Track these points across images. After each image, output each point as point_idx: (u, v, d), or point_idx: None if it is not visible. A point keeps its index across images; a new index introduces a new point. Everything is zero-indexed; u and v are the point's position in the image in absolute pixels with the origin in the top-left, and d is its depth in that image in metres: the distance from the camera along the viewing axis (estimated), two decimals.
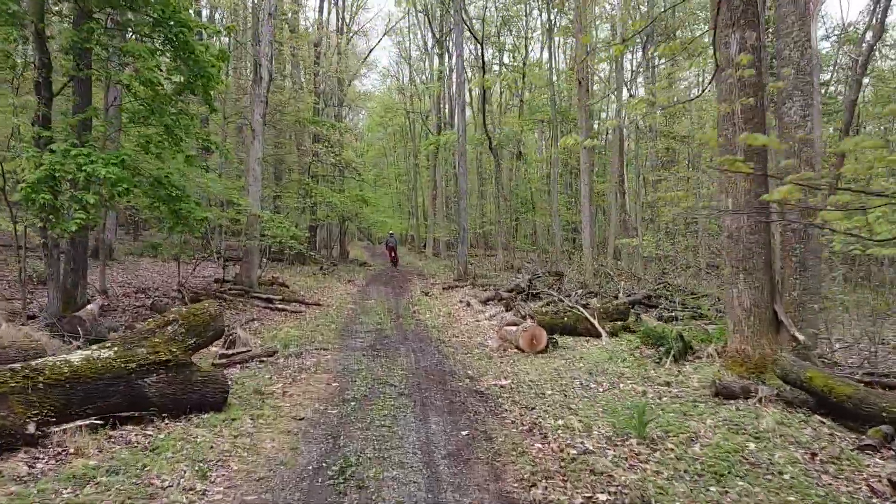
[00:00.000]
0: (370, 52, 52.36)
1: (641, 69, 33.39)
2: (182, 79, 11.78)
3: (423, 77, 53.21)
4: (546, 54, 48.58)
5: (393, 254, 35.37)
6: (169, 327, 6.94)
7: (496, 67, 42.80)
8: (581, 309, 13.38)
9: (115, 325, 11.04)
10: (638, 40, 31.76)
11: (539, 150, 50.72)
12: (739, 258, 8.35)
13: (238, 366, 9.54)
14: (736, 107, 8.40)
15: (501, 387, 8.19)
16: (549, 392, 7.80)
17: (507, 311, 16.90)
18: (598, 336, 12.77)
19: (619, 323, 13.33)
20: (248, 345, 11.20)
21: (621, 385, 8.14)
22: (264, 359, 9.93)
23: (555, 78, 33.00)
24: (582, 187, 21.65)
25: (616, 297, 17.61)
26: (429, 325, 14.93)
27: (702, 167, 28.99)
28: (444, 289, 23.07)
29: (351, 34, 43.49)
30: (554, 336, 11.55)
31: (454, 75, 30.05)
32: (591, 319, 12.86)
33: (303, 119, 23.70)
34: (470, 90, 39.42)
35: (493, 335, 13.09)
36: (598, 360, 10.12)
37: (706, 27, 36.67)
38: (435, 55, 48.89)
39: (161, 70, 11.42)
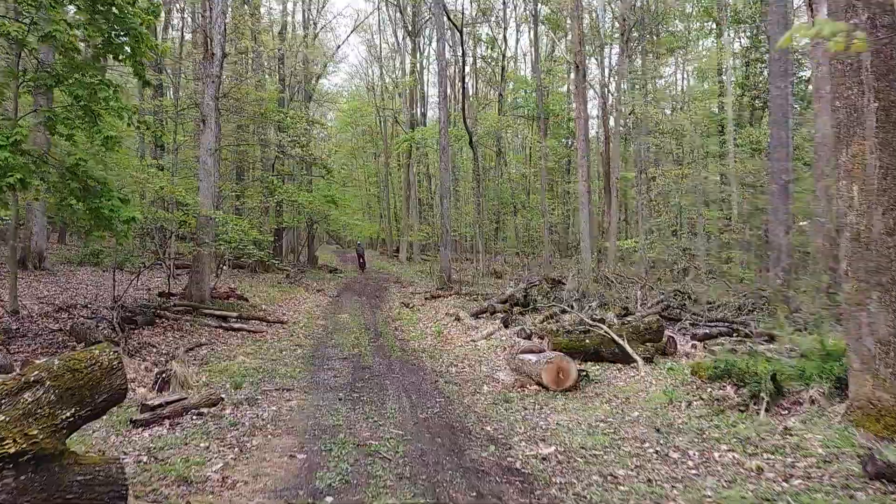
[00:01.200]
0: (338, 47, 49.60)
1: (626, 62, 31.24)
2: (101, 40, 9.06)
3: (394, 76, 50.83)
4: (527, 45, 46.54)
5: (361, 259, 36.72)
6: (27, 393, 4.26)
7: (472, 61, 40.39)
8: (605, 328, 10.92)
9: (4, 364, 8.25)
10: (617, 35, 29.59)
11: (517, 149, 48.46)
12: (871, 269, 5.95)
13: (167, 422, 6.86)
14: (862, 57, 5.99)
15: (544, 459, 5.66)
16: (621, 470, 5.29)
17: (505, 327, 14.42)
18: (629, 362, 10.34)
19: (650, 345, 10.90)
20: (188, 384, 8.53)
21: (716, 455, 5.67)
22: (204, 410, 7.26)
23: (541, 71, 30.64)
24: (580, 183, 19.30)
25: (626, 310, 15.23)
26: (417, 349, 12.34)
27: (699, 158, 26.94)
28: (426, 299, 20.51)
29: (318, 29, 40.80)
30: (584, 368, 9.05)
31: (434, 63, 27.51)
32: (621, 342, 10.41)
33: (265, 110, 20.95)
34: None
35: (502, 363, 10.56)
36: (654, 403, 7.66)
37: (689, 21, 34.76)
38: (406, 53, 46.49)
39: (69, 25, 8.68)
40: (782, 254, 17.45)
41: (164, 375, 8.55)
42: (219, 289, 16.88)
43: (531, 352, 9.51)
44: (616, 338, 10.55)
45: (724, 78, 31.22)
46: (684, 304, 16.57)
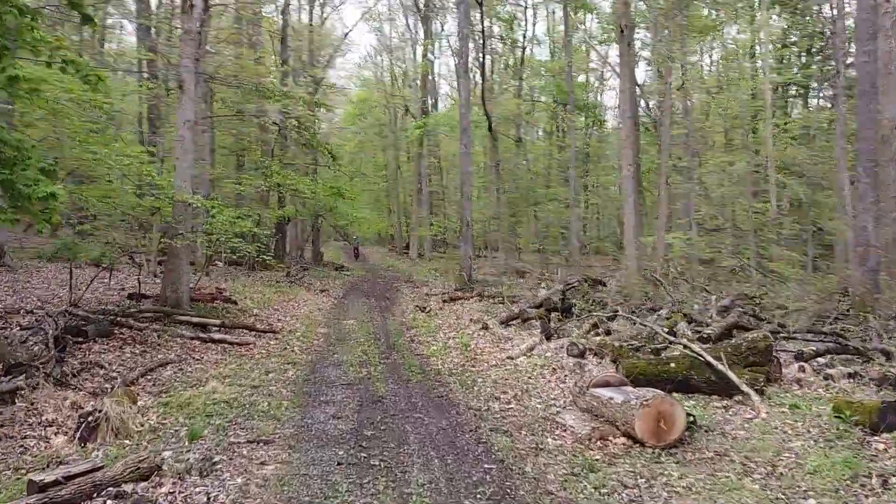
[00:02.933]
0: (346, 34, 46.99)
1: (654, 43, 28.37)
2: None
3: (404, 66, 48.28)
4: (543, 34, 43.80)
5: (356, 251, 41.60)
6: None
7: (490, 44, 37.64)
8: (697, 347, 8.21)
9: None
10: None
11: (534, 138, 45.73)
12: None
13: None
14: None
15: None
16: None
17: (546, 339, 11.76)
18: (730, 394, 7.67)
19: (757, 372, 8.21)
20: (126, 431, 5.94)
21: None
22: (128, 489, 4.63)
23: (570, 41, 27.88)
24: (624, 168, 16.57)
25: (687, 317, 12.52)
26: (441, 370, 9.67)
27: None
28: (444, 301, 17.85)
29: (324, 14, 38.26)
30: (692, 414, 6.35)
31: (444, 54, 24.91)
32: (722, 368, 7.71)
33: (263, 87, 18.32)
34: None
35: (559, 393, 7.88)
36: (824, 477, 4.98)
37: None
38: (418, 39, 43.84)
39: None
40: (871, 249, 14.71)
41: (90, 419, 5.94)
42: (203, 290, 14.28)
43: (607, 384, 6.83)
44: (712, 361, 7.85)
45: (760, 61, 28.42)
46: (756, 312, 13.87)
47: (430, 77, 44.10)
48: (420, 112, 41.06)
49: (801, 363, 9.34)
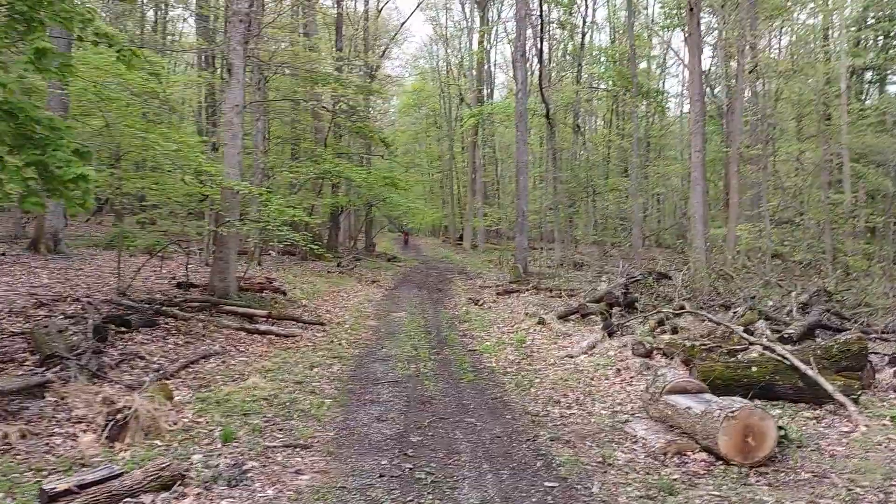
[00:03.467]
0: (402, 24, 46.31)
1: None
2: None
3: (460, 56, 47.59)
4: (602, 20, 42.44)
5: (406, 237, 44.06)
6: None
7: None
8: (783, 352, 7.34)
9: None
10: None
11: (593, 128, 44.48)
12: None
13: None
14: None
15: None
16: None
17: (609, 336, 10.99)
18: (820, 402, 6.82)
19: (850, 378, 7.31)
20: (157, 430, 5.54)
21: None
22: (146, 499, 4.18)
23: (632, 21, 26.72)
24: (693, 154, 15.57)
25: (762, 314, 11.53)
26: (495, 368, 9.04)
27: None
28: (497, 294, 17.21)
29: (381, 6, 37.86)
30: (783, 427, 5.55)
31: (500, 42, 24.18)
32: (812, 374, 6.85)
33: (315, 72, 17.93)
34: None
35: (626, 398, 7.16)
36: None
37: None
38: (475, 27, 43.04)
39: None
40: None
41: (119, 417, 5.54)
42: (252, 279, 14.00)
43: (684, 391, 6.08)
44: (801, 365, 7.00)
45: (835, 45, 26.60)
46: (838, 311, 12.76)
47: (485, 66, 43.34)
48: (475, 101, 40.36)
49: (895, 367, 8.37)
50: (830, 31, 27.76)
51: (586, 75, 36.78)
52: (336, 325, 12.04)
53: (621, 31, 37.95)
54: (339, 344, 10.38)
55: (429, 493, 4.47)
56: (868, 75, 30.60)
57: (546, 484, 4.68)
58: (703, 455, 5.27)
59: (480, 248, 37.94)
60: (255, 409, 6.38)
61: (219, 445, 5.30)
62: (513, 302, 15.90)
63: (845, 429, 6.07)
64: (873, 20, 28.55)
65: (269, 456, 5.09)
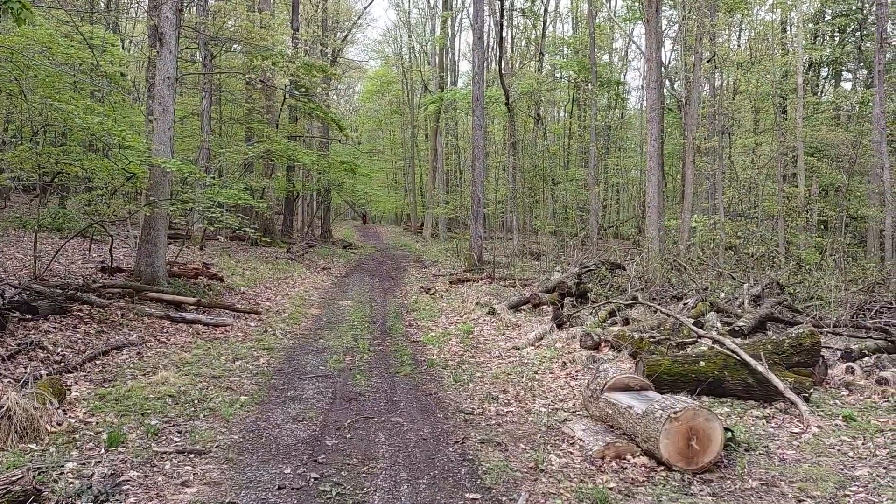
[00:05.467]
0: (365, 8, 45.22)
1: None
2: None
3: (424, 43, 46.74)
4: (565, 11, 42.05)
5: (364, 217, 46.55)
6: None
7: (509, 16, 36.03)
8: (733, 346, 6.94)
9: None
10: None
11: (554, 120, 44.17)
12: None
13: None
14: None
15: None
16: None
17: (558, 327, 10.58)
18: (770, 400, 6.46)
19: (802, 375, 6.98)
20: (37, 431, 4.89)
21: None
22: None
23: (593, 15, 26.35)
24: (649, 144, 15.21)
25: (713, 306, 11.23)
26: (436, 361, 8.51)
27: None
28: (451, 283, 16.68)
29: None
30: (730, 429, 5.13)
31: (464, 31, 23.57)
32: (762, 369, 6.47)
33: (264, 47, 17.02)
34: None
35: (568, 394, 6.69)
36: None
37: None
38: (438, 16, 42.21)
39: None
40: None
41: None
42: (187, 265, 13.21)
43: (627, 388, 5.62)
44: (750, 360, 6.61)
45: (791, 41, 26.62)
46: (790, 303, 12.54)
47: (449, 53, 42.65)
48: (438, 88, 39.68)
49: (849, 363, 8.08)
50: (789, 26, 27.81)
51: (548, 65, 36.41)
52: (274, 315, 11.37)
53: (584, 22, 37.63)
54: (273, 335, 9.73)
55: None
56: (824, 71, 30.86)
57: (467, 496, 4.16)
58: (644, 459, 4.81)
59: (441, 236, 37.39)
60: (157, 407, 5.74)
61: (102, 451, 4.66)
62: (465, 291, 15.38)
63: (796, 430, 5.70)
64: (830, 16, 28.75)
65: (155, 464, 4.46)
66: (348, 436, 5.28)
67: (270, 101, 22.50)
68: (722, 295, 12.87)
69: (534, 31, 36.61)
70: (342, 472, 4.47)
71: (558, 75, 37.48)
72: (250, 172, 23.87)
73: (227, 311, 10.77)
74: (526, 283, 15.80)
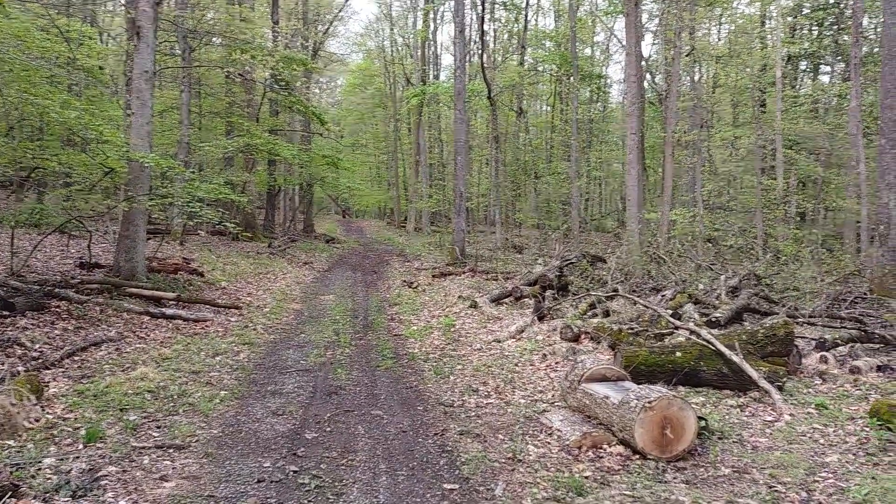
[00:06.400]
0: (346, 1, 44.94)
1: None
2: None
3: (406, 38, 46.59)
4: (547, 4, 42.07)
5: (345, 213, 46.21)
6: None
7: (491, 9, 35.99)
8: (709, 337, 7.06)
9: None
10: None
11: (537, 114, 44.30)
12: None
13: None
14: None
15: None
16: None
17: (539, 319, 10.69)
18: (744, 389, 6.56)
19: (776, 364, 7.10)
20: (13, 427, 4.86)
21: None
22: None
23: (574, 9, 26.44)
24: (629, 137, 15.32)
25: (692, 298, 11.36)
26: (417, 354, 8.56)
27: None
28: (434, 277, 16.73)
29: None
30: (703, 418, 5.22)
31: (447, 25, 23.58)
32: (737, 359, 6.58)
33: (247, 46, 16.91)
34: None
35: (548, 386, 6.76)
36: None
37: None
38: (420, 9, 42.12)
39: None
40: (893, 229, 13.58)
41: None
42: (167, 260, 13.14)
43: (604, 379, 5.70)
44: (725, 350, 6.72)
45: (770, 35, 26.89)
46: (767, 294, 12.71)
47: (431, 46, 42.60)
48: (420, 82, 39.61)
49: (823, 353, 8.22)
50: (767, 20, 28.04)
51: (530, 59, 36.48)
52: (255, 310, 11.35)
53: (565, 16, 37.71)
54: (254, 329, 9.73)
55: (309, 501, 3.94)
56: (803, 64, 31.17)
57: (445, 486, 4.22)
58: (620, 448, 4.89)
59: (425, 230, 37.41)
60: (135, 403, 5.73)
61: (80, 446, 4.66)
62: (448, 285, 15.43)
63: (769, 418, 5.80)
64: (808, 10, 29.02)
65: (134, 459, 4.47)
66: (328, 429, 5.31)
67: (251, 94, 22.36)
68: (700, 286, 13.01)
69: (516, 25, 36.62)
70: (321, 465, 4.51)
71: (540, 69, 37.55)
72: (231, 167, 23.75)
73: (207, 307, 10.74)
74: (508, 277, 15.89)
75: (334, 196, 37.51)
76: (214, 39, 18.81)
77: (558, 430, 5.32)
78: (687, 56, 21.53)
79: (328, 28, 38.31)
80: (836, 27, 27.92)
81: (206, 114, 25.98)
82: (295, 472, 4.36)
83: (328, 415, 5.69)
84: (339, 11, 40.22)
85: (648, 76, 30.33)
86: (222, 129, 26.30)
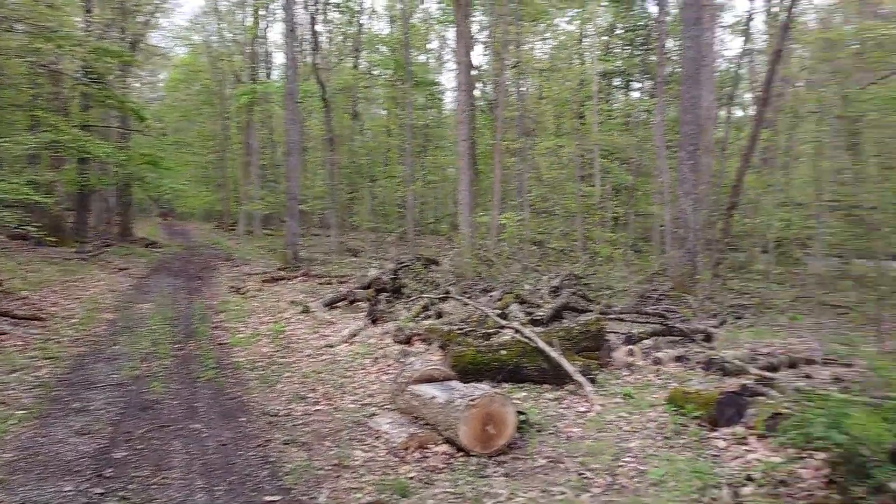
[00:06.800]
0: None
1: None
2: None
3: (235, 34, 44.73)
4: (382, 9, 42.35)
5: (165, 215, 43.86)
6: None
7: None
8: (528, 332, 7.44)
9: None
10: None
11: (374, 115, 44.41)
12: None
13: None
14: None
15: None
16: None
17: (372, 323, 10.71)
18: (562, 383, 6.99)
19: (590, 358, 7.63)
20: None
21: None
22: None
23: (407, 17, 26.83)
24: (460, 144, 15.82)
25: (519, 298, 11.95)
26: (242, 363, 8.22)
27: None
28: (264, 282, 16.19)
29: None
30: (523, 412, 5.48)
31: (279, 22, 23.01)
32: (555, 356, 6.99)
33: (53, 34, 15.25)
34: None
35: (379, 390, 6.77)
36: (668, 487, 4.27)
37: None
38: (248, 6, 40.64)
39: None
40: (690, 232, 15.09)
41: None
42: None
43: (431, 379, 5.81)
44: (544, 346, 7.12)
45: (588, 51, 29.13)
46: (584, 293, 13.64)
47: (262, 44, 41.26)
48: (251, 80, 38.21)
49: (630, 346, 8.96)
50: (585, 38, 30.17)
51: (365, 62, 36.53)
52: (61, 321, 10.34)
53: (400, 21, 38.18)
54: (59, 342, 8.85)
55: None
56: (617, 80, 33.85)
57: (266, 499, 4.08)
58: (446, 447, 5.01)
59: (256, 234, 36.13)
60: None
61: None
62: (279, 290, 15.02)
63: (582, 409, 6.21)
64: (621, 30, 31.58)
65: None
66: (140, 447, 4.95)
67: (58, 87, 20.37)
68: (527, 287, 13.70)
69: (350, 27, 36.50)
70: (130, 486, 4.19)
71: (376, 72, 37.72)
72: (37, 165, 21.46)
73: (3, 319, 9.61)
74: (342, 281, 15.78)
75: (156, 197, 35.12)
76: (16, 26, 16.90)
77: (386, 434, 5.35)
78: (513, 68, 22.61)
79: (148, 20, 35.87)
80: (644, 47, 30.57)
81: (6, 106, 23.32)
82: (101, 494, 4.02)
83: (141, 431, 5.30)
84: (161, 2, 37.82)
85: (480, 85, 31.53)
86: (24, 123, 23.73)
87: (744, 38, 25.09)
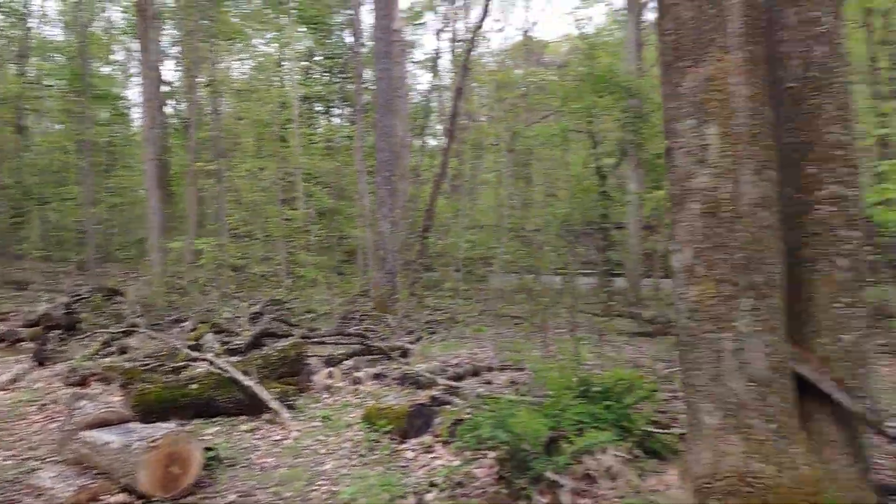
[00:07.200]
0: None
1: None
2: None
3: None
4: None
5: None
6: None
7: None
8: (222, 363, 7.14)
9: None
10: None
11: (45, 130, 39.09)
12: (739, 262, 3.68)
13: None
14: None
15: None
16: None
17: (40, 364, 9.39)
18: (260, 412, 6.85)
19: (289, 384, 7.59)
20: None
21: None
22: None
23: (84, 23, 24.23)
24: (147, 164, 14.74)
25: (218, 327, 11.56)
26: None
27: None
28: None
29: None
30: (212, 448, 5.22)
31: None
32: (251, 385, 6.81)
33: None
34: None
35: (47, 441, 5.92)
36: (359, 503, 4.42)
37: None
38: None
39: None
40: (389, 254, 15.96)
41: None
42: None
43: (106, 423, 5.26)
44: (239, 376, 6.92)
45: (288, 74, 29.37)
46: (287, 318, 13.58)
47: None
48: None
49: (330, 368, 9.13)
50: (285, 61, 30.23)
51: (35, 70, 32.15)
52: None
53: (77, 28, 34.35)
54: None
55: None
56: (318, 105, 34.47)
57: None
58: (123, 496, 4.56)
59: None
60: None
61: None
62: None
63: (278, 437, 6.15)
64: (320, 56, 32.29)
65: None
66: None
67: None
68: (225, 315, 13.20)
69: (15, 31, 31.77)
70: None
71: (48, 83, 33.35)
72: None
73: None
74: (3, 318, 13.60)
75: None
76: None
77: (50, 489, 4.70)
78: (208, 86, 21.75)
79: None
80: (342, 76, 31.61)
81: None
82: None
83: None
84: None
85: (173, 102, 29.72)
86: None
87: (432, 74, 27.40)
